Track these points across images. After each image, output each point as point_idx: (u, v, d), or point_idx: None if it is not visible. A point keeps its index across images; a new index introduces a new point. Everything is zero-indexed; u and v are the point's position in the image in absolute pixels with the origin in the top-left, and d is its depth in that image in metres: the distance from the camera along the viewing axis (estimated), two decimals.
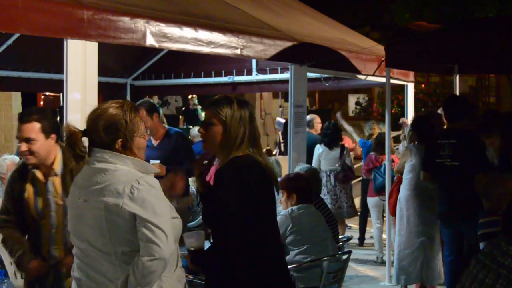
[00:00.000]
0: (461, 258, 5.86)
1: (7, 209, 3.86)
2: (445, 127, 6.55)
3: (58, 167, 3.79)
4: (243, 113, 3.18)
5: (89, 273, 2.89)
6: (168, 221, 2.83)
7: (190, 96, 15.47)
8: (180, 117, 15.90)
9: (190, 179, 6.87)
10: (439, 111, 8.87)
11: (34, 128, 3.71)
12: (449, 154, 5.74)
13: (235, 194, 3.04)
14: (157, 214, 2.78)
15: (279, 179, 8.38)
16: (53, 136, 3.78)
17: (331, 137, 8.81)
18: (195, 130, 10.73)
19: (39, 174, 3.80)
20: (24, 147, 3.72)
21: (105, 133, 2.87)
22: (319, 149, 8.85)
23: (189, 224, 6.79)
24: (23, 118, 3.74)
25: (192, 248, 3.28)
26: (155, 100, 14.93)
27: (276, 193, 3.26)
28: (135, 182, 2.80)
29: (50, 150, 3.77)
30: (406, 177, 6.63)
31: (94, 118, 2.91)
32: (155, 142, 6.21)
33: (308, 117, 8.89)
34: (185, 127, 15.39)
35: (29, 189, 3.80)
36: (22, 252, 3.77)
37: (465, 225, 5.63)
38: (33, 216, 3.79)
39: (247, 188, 3.06)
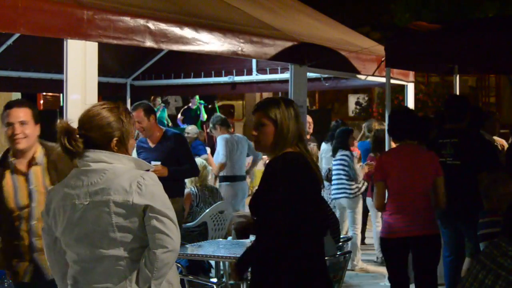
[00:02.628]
0: (460, 258, 5.85)
1: None
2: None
3: (39, 156, 3.83)
4: (290, 111, 3.37)
5: (90, 278, 2.87)
6: (175, 214, 2.87)
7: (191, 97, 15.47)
8: (179, 116, 15.87)
9: (187, 180, 6.87)
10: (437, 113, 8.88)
11: (27, 112, 3.81)
12: (450, 153, 5.74)
13: (285, 185, 3.19)
14: (167, 207, 2.84)
15: None
16: (39, 125, 3.88)
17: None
18: (189, 128, 10.74)
19: (19, 165, 3.83)
20: (18, 129, 3.76)
21: (103, 131, 2.89)
22: (323, 146, 8.86)
23: (188, 224, 6.79)
24: (14, 105, 3.83)
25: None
26: (158, 101, 14.96)
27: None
28: (140, 178, 2.84)
29: (35, 138, 3.86)
30: None
31: (90, 117, 2.92)
32: (152, 144, 6.20)
33: None
34: (183, 126, 15.40)
35: (9, 183, 3.81)
36: None
37: (465, 225, 5.63)
38: (12, 210, 3.79)
39: (296, 181, 3.23)
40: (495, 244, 3.39)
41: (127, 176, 2.84)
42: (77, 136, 2.88)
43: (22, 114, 3.78)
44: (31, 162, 3.83)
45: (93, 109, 2.94)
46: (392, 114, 5.76)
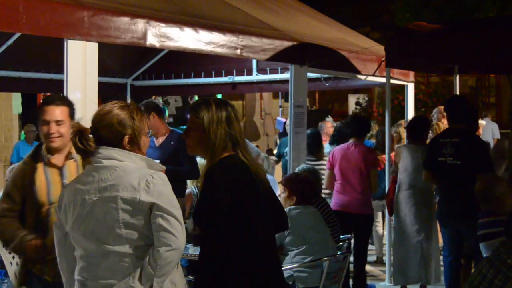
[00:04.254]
0: (460, 258, 5.85)
1: (11, 197, 3.77)
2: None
3: (74, 152, 3.72)
4: (220, 114, 3.14)
5: (95, 274, 2.89)
6: (181, 214, 2.87)
7: (189, 97, 15.48)
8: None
9: (188, 181, 6.87)
10: (435, 110, 8.92)
11: (64, 110, 3.75)
12: (451, 153, 5.76)
13: (224, 193, 3.05)
14: (173, 206, 2.85)
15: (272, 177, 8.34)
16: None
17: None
18: None
19: (54, 160, 3.77)
20: (53, 129, 3.71)
21: (114, 129, 2.92)
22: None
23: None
24: (52, 102, 3.76)
25: (195, 233, 3.32)
26: (159, 101, 14.99)
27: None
28: (149, 176, 2.87)
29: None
30: (400, 177, 6.66)
31: (102, 115, 2.95)
32: (157, 142, 6.22)
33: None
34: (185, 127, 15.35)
35: (41, 176, 3.75)
36: (24, 234, 3.67)
37: (464, 225, 5.63)
38: (43, 204, 3.71)
39: (235, 188, 3.08)
40: (503, 242, 3.40)
41: (137, 174, 2.87)
42: (89, 135, 2.92)
43: (59, 112, 3.72)
44: (67, 157, 3.78)
45: (105, 108, 2.98)
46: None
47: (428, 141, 6.74)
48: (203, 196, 3.16)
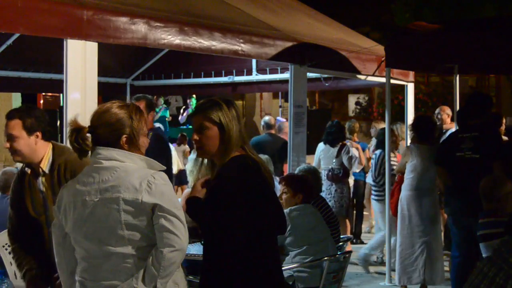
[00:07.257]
0: (469, 260, 5.74)
1: (11, 218, 3.85)
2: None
3: (45, 165, 3.69)
4: (232, 112, 3.13)
5: (97, 275, 2.88)
6: (183, 214, 2.86)
7: (188, 97, 15.57)
8: (182, 116, 15.98)
9: (188, 179, 6.87)
10: (437, 110, 8.93)
11: (16, 125, 3.61)
12: (469, 147, 5.75)
13: (239, 193, 3.01)
14: (176, 206, 2.83)
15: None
16: (38, 133, 3.66)
17: (335, 135, 8.79)
18: None
19: (32, 174, 3.76)
20: (7, 144, 3.65)
21: (112, 128, 2.89)
22: (320, 147, 8.85)
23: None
24: (7, 116, 3.67)
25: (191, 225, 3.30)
26: (160, 101, 15.02)
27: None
28: (150, 177, 2.84)
29: (34, 148, 3.66)
30: (407, 177, 6.62)
31: (100, 114, 2.93)
32: None
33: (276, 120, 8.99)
34: (185, 127, 15.41)
35: (27, 190, 3.77)
36: (28, 268, 3.77)
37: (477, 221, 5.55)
38: (33, 216, 3.77)
39: (250, 187, 3.06)
40: (503, 242, 3.40)
41: (138, 174, 2.85)
42: (86, 134, 2.90)
43: (11, 127, 3.62)
44: (39, 172, 3.74)
45: (103, 107, 2.96)
46: None
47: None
48: (215, 194, 3.07)
